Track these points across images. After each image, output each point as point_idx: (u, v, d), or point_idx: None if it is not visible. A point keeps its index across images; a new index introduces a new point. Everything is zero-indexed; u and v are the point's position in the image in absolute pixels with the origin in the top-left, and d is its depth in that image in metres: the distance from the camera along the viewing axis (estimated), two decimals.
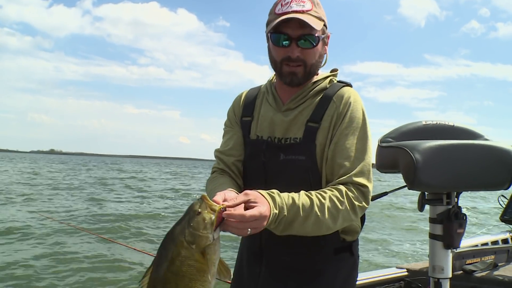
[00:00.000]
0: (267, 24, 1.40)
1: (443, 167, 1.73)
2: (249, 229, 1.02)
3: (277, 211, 1.10)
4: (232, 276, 1.00)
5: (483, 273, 2.49)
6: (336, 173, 1.31)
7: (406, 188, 1.80)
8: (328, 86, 1.44)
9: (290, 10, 1.31)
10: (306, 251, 1.38)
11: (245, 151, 1.49)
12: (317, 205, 1.19)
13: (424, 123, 1.93)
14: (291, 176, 1.37)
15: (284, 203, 1.14)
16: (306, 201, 1.18)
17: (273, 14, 1.37)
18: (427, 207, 1.90)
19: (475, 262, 2.60)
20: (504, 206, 3.75)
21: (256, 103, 1.54)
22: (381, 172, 1.95)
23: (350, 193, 1.25)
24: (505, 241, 3.92)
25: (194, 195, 19.02)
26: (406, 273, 2.84)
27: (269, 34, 1.38)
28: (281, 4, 1.35)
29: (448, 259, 1.85)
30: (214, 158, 1.57)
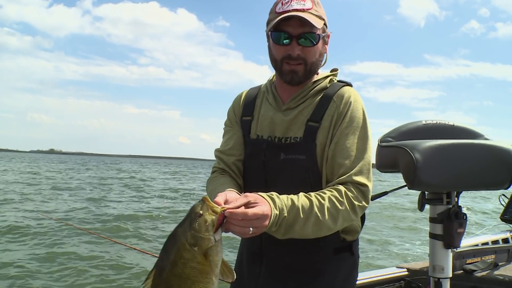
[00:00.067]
0: (268, 23, 1.40)
1: (443, 166, 1.73)
2: (251, 229, 1.02)
3: (277, 212, 1.10)
4: (235, 277, 1.00)
5: (484, 273, 2.48)
6: (336, 173, 1.31)
7: (406, 187, 1.80)
8: (328, 85, 1.44)
9: (291, 9, 1.32)
10: (306, 251, 1.38)
11: (245, 151, 1.49)
12: (316, 206, 1.18)
13: (424, 122, 1.93)
14: (292, 175, 1.37)
15: (284, 205, 1.14)
16: (306, 202, 1.18)
17: (273, 13, 1.37)
18: (427, 206, 1.89)
19: (475, 262, 2.60)
20: (504, 205, 3.75)
21: (256, 102, 1.54)
22: (381, 171, 1.95)
23: (349, 193, 1.25)
24: (505, 240, 3.92)
25: (194, 195, 19.02)
26: (406, 273, 2.83)
27: (269, 33, 1.39)
28: (282, 3, 1.35)
29: (448, 258, 1.85)
30: (214, 158, 1.57)
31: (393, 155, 1.80)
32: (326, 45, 1.44)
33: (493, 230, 4.41)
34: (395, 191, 2.08)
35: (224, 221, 0.99)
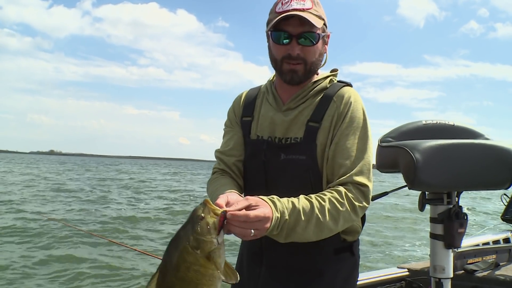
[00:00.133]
0: (268, 23, 1.41)
1: (443, 166, 1.72)
2: (253, 231, 1.02)
3: (278, 215, 1.10)
4: (239, 278, 1.00)
5: (485, 273, 2.48)
6: (337, 173, 1.31)
7: (407, 188, 1.80)
8: (328, 86, 1.44)
9: (291, 8, 1.32)
10: (306, 251, 1.38)
11: (246, 151, 1.49)
12: (317, 208, 1.18)
13: (424, 122, 1.93)
14: (292, 176, 1.37)
15: (285, 207, 1.13)
16: (306, 204, 1.18)
17: (273, 13, 1.38)
18: (427, 207, 1.89)
19: (476, 262, 2.59)
20: (506, 204, 3.75)
21: (256, 103, 1.54)
22: (381, 172, 1.94)
23: (350, 194, 1.25)
24: (506, 240, 3.91)
25: (194, 197, 19.01)
26: (407, 273, 2.83)
27: (269, 32, 1.39)
28: (282, 3, 1.36)
29: (449, 258, 1.84)
30: (214, 159, 1.57)
31: (393, 155, 1.80)
32: (326, 45, 1.45)
33: (494, 230, 4.41)
34: (395, 192, 2.07)
35: (225, 222, 0.99)
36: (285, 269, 1.42)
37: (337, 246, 1.42)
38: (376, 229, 11.16)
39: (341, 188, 1.25)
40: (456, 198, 1.86)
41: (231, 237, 1.02)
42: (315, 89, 1.43)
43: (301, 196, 1.21)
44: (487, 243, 3.66)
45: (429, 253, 1.93)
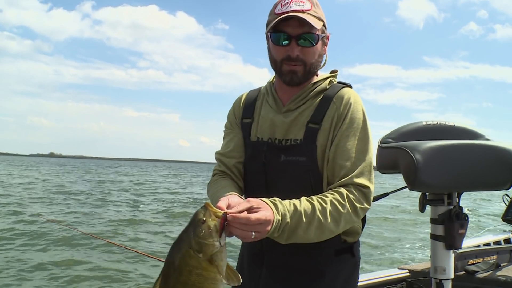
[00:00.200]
0: (267, 24, 1.41)
1: (443, 167, 1.72)
2: (253, 233, 1.02)
3: (280, 218, 1.10)
4: (241, 281, 1.00)
5: (486, 274, 2.47)
6: (337, 174, 1.31)
7: (407, 188, 1.79)
8: (328, 87, 1.44)
9: (290, 10, 1.32)
10: (307, 252, 1.37)
11: (246, 153, 1.49)
12: (319, 210, 1.18)
13: (424, 123, 1.93)
14: (292, 177, 1.37)
15: (286, 210, 1.13)
16: (308, 206, 1.18)
17: (273, 14, 1.38)
18: (428, 207, 1.89)
19: (477, 263, 2.58)
20: (507, 204, 3.74)
21: (256, 104, 1.54)
22: (382, 173, 1.94)
23: (351, 195, 1.25)
24: (507, 241, 3.91)
25: (193, 198, 18.99)
26: (408, 274, 2.82)
27: (269, 34, 1.39)
28: (281, 5, 1.36)
29: (450, 259, 1.84)
30: (213, 161, 1.57)
31: (393, 156, 1.80)
32: (325, 46, 1.45)
33: (495, 230, 4.41)
34: (396, 193, 2.07)
35: (226, 224, 0.99)
36: (285, 270, 1.42)
37: (338, 247, 1.42)
38: (376, 231, 11.15)
39: (343, 190, 1.25)
40: (457, 199, 1.86)
41: (232, 239, 1.02)
42: (314, 90, 1.43)
43: (303, 198, 1.21)
44: (488, 244, 3.66)
45: (429, 254, 1.93)
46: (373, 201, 1.35)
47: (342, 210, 1.21)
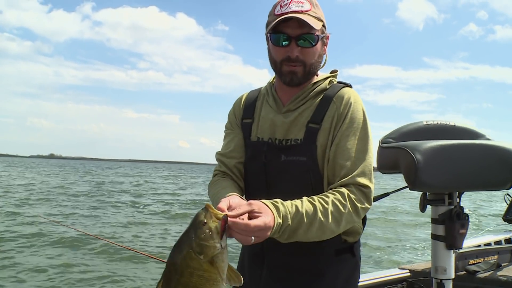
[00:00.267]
0: (267, 25, 1.41)
1: (444, 167, 1.72)
2: (253, 237, 1.02)
3: (281, 221, 1.10)
4: (242, 281, 1.00)
5: (486, 274, 2.47)
6: (338, 174, 1.31)
7: (408, 188, 1.79)
8: (328, 87, 1.44)
9: (289, 11, 1.32)
10: (307, 252, 1.38)
11: (246, 153, 1.49)
12: (320, 210, 1.18)
13: (425, 123, 1.92)
14: (292, 177, 1.37)
15: (288, 212, 1.13)
16: (309, 207, 1.18)
17: (272, 15, 1.38)
18: (429, 207, 1.89)
19: (478, 263, 2.58)
20: (508, 204, 3.74)
21: (257, 105, 1.54)
22: (382, 173, 1.94)
23: (352, 195, 1.25)
24: (508, 241, 3.90)
25: (193, 199, 18.98)
26: (409, 274, 2.82)
27: (268, 35, 1.39)
28: (280, 5, 1.36)
29: (450, 259, 1.83)
30: (213, 162, 1.57)
31: (394, 156, 1.80)
32: (325, 46, 1.45)
33: (495, 230, 4.40)
34: (396, 193, 2.07)
35: (226, 227, 0.99)
36: (286, 270, 1.42)
37: (338, 247, 1.42)
38: (376, 232, 11.14)
39: (344, 190, 1.25)
40: (457, 199, 1.86)
41: (233, 240, 1.03)
42: (314, 90, 1.43)
43: (304, 199, 1.21)
44: (489, 244, 3.66)
45: (429, 255, 1.93)
46: (373, 201, 1.35)
47: (343, 210, 1.21)
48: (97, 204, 15.52)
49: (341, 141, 1.33)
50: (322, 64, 1.46)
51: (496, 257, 2.68)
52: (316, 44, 1.36)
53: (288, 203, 1.16)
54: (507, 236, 3.96)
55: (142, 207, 15.58)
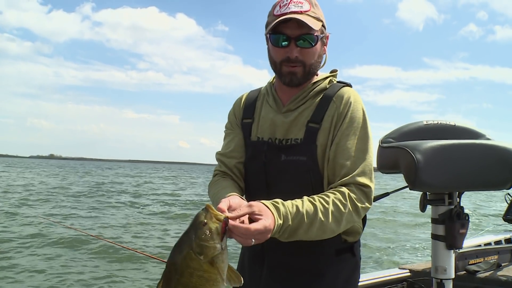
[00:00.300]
0: (266, 25, 1.41)
1: (444, 167, 1.72)
2: (253, 240, 1.02)
3: (281, 222, 1.10)
4: (242, 282, 1.00)
5: (486, 274, 2.47)
6: (338, 174, 1.30)
7: (408, 188, 1.79)
8: (328, 86, 1.44)
9: (289, 11, 1.32)
10: (307, 252, 1.38)
11: (246, 153, 1.49)
12: (321, 210, 1.18)
13: (425, 123, 1.92)
14: (292, 177, 1.36)
15: (289, 212, 1.13)
16: (310, 207, 1.18)
17: (272, 15, 1.38)
18: (429, 207, 1.89)
19: (478, 262, 2.58)
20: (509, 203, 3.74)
21: (257, 105, 1.54)
22: (383, 172, 1.94)
23: (352, 195, 1.25)
24: (508, 241, 3.90)
25: (193, 200, 18.98)
26: (409, 274, 2.82)
27: (268, 35, 1.39)
28: (280, 6, 1.36)
29: (450, 259, 1.83)
30: (213, 163, 1.57)
31: (394, 156, 1.79)
32: (325, 46, 1.45)
33: (495, 230, 4.41)
34: (396, 192, 2.07)
35: (227, 229, 0.99)
36: (286, 270, 1.42)
37: (338, 246, 1.41)
38: (376, 233, 11.14)
39: (344, 189, 1.25)
40: (458, 199, 1.86)
41: (233, 240, 1.03)
42: (314, 90, 1.43)
43: (305, 198, 1.21)
44: (489, 244, 3.66)
45: (430, 254, 1.93)
46: (373, 201, 1.35)
47: (343, 209, 1.22)
48: (97, 205, 15.52)
49: (341, 140, 1.33)
50: (322, 64, 1.46)
51: (496, 257, 2.68)
52: (315, 45, 1.36)
53: (288, 203, 1.16)
54: (507, 236, 3.96)
55: (141, 207, 15.58)
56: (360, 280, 1.53)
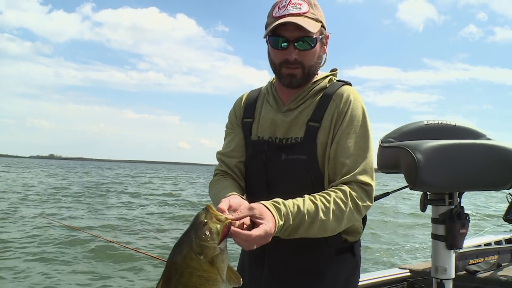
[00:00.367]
0: (266, 26, 1.41)
1: (445, 167, 1.72)
2: (255, 246, 1.03)
3: (282, 222, 1.10)
4: (241, 282, 1.00)
5: (487, 274, 2.47)
6: (339, 172, 1.31)
7: (408, 188, 1.79)
8: (327, 85, 1.44)
9: (287, 13, 1.32)
10: (308, 251, 1.38)
11: (247, 152, 1.49)
12: (322, 209, 1.18)
13: (425, 122, 1.92)
14: (293, 175, 1.37)
15: (290, 212, 1.13)
16: (311, 206, 1.18)
17: (271, 17, 1.38)
18: (429, 207, 1.89)
19: (478, 262, 2.58)
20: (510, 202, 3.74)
21: (257, 104, 1.54)
22: (383, 172, 1.94)
23: (353, 193, 1.25)
24: (508, 241, 3.91)
25: (193, 201, 18.97)
26: (409, 274, 2.82)
27: (267, 38, 1.39)
28: (278, 7, 1.35)
29: (451, 259, 1.83)
30: (213, 163, 1.57)
31: (394, 156, 1.79)
32: (325, 46, 1.44)
33: (496, 230, 4.41)
34: (397, 192, 2.07)
35: (229, 233, 0.99)
36: (286, 270, 1.42)
37: (339, 246, 1.42)
38: (376, 232, 11.14)
39: (345, 187, 1.25)
40: (458, 199, 1.85)
41: (233, 240, 1.03)
42: (314, 89, 1.43)
43: (306, 197, 1.21)
44: (489, 244, 3.66)
45: (430, 254, 1.93)
46: (374, 200, 1.35)
47: (344, 208, 1.22)
48: (96, 205, 15.51)
49: (341, 139, 1.33)
50: (322, 63, 1.46)
51: (496, 257, 2.67)
52: (314, 46, 1.36)
53: (289, 202, 1.16)
54: (508, 236, 3.96)
55: (141, 207, 15.57)
56: (360, 280, 1.53)
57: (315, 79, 1.45)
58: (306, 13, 1.33)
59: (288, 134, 1.41)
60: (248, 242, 1.01)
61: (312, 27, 1.31)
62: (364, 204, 1.26)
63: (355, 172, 1.28)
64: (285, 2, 1.34)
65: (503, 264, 2.63)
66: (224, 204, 1.05)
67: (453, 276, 1.83)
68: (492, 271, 2.51)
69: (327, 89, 1.43)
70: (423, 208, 1.86)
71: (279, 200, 1.15)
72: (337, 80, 1.49)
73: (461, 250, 2.26)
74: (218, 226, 0.96)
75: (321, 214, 1.18)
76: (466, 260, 2.54)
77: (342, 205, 1.21)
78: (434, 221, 1.87)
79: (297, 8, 1.32)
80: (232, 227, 0.99)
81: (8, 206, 13.65)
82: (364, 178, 1.28)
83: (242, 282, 1.00)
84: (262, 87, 1.60)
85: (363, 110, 1.38)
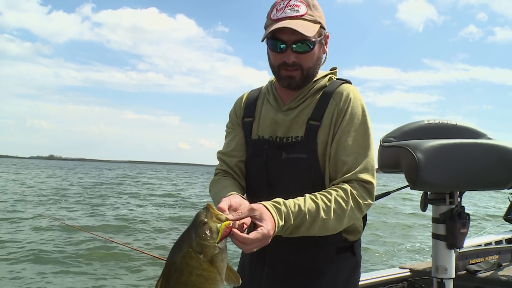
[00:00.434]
0: (265, 28, 1.40)
1: (445, 166, 1.72)
2: (255, 249, 1.03)
3: (282, 223, 1.10)
4: (240, 281, 1.01)
5: (487, 273, 2.47)
6: (340, 170, 1.30)
7: (409, 188, 1.79)
8: (327, 84, 1.44)
9: (284, 16, 1.32)
10: (308, 250, 1.38)
11: (247, 152, 1.49)
12: (323, 208, 1.18)
13: (426, 122, 1.92)
14: (293, 174, 1.37)
15: (290, 212, 1.13)
16: (312, 206, 1.18)
17: (269, 19, 1.37)
18: (429, 207, 1.88)
19: (478, 262, 2.58)
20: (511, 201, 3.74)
21: (257, 103, 1.54)
22: (384, 172, 1.93)
23: (354, 191, 1.25)
24: (509, 240, 3.91)
25: (192, 201, 18.98)
26: (409, 273, 2.82)
27: (266, 40, 1.39)
28: (276, 9, 1.35)
29: (451, 259, 1.83)
30: (213, 163, 1.57)
31: (395, 155, 1.79)
32: (325, 46, 1.44)
33: (496, 230, 4.41)
34: (397, 191, 2.07)
35: (230, 234, 1.00)
36: (287, 269, 1.42)
37: (339, 245, 1.42)
38: (376, 233, 11.14)
39: (346, 186, 1.25)
40: (459, 198, 1.85)
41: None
42: (314, 87, 1.43)
43: (307, 196, 1.20)
44: (490, 243, 3.66)
45: (431, 253, 1.92)
46: (374, 200, 1.35)
47: (345, 207, 1.22)
48: (96, 205, 15.51)
49: (342, 137, 1.33)
50: (322, 62, 1.46)
51: (496, 256, 2.67)
52: (312, 49, 1.35)
53: (290, 202, 1.16)
54: (508, 235, 3.96)
55: (141, 208, 15.58)
56: (360, 279, 1.53)
57: (315, 78, 1.45)
58: (304, 15, 1.32)
59: (289, 133, 1.41)
60: (246, 245, 1.01)
61: (310, 30, 1.30)
62: (365, 202, 1.26)
63: (356, 170, 1.28)
64: (283, 4, 1.34)
65: (503, 264, 2.63)
66: (224, 203, 1.05)
67: (453, 275, 1.83)
68: (492, 271, 2.51)
69: (327, 87, 1.43)
70: (423, 208, 1.86)
71: (280, 200, 1.14)
72: (336, 79, 1.49)
73: (461, 250, 2.26)
74: (218, 225, 0.96)
75: (322, 213, 1.18)
76: (467, 260, 2.54)
77: (343, 204, 1.21)
78: (435, 220, 1.86)
79: (294, 10, 1.32)
80: (233, 229, 0.99)
81: (7, 207, 13.65)
82: (365, 176, 1.28)
83: (241, 282, 1.00)
84: (262, 87, 1.60)
85: (363, 108, 1.38)
